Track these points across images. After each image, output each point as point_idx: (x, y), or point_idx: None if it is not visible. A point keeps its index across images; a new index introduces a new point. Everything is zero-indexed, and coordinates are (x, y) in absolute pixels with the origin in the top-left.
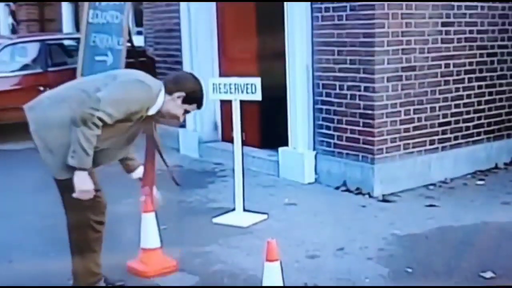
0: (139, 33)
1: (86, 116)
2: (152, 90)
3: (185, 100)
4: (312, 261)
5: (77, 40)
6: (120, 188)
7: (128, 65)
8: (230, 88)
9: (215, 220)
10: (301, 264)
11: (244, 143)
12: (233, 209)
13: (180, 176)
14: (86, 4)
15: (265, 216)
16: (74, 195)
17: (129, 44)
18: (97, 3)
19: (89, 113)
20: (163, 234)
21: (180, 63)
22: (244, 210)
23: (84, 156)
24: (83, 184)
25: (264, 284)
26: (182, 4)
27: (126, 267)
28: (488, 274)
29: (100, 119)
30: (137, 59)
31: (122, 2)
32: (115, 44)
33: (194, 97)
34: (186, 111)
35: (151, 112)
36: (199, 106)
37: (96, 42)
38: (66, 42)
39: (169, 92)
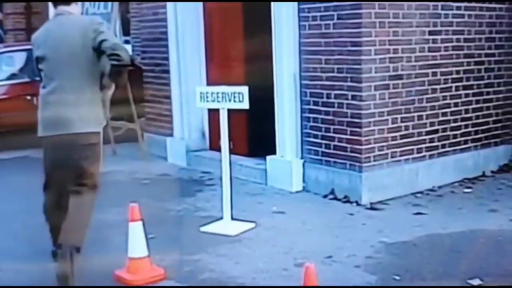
0: (126, 42)
1: None
2: None
3: None
4: (300, 269)
5: None
6: (108, 197)
7: None
8: (218, 97)
9: (203, 228)
10: (289, 272)
11: (232, 151)
12: (221, 218)
13: (168, 184)
14: None
15: (253, 225)
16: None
17: None
18: (84, 11)
19: None
20: (151, 243)
21: (167, 71)
22: (232, 218)
23: None
24: None
25: None
26: (169, 12)
27: (113, 276)
28: (476, 282)
29: None
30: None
31: (109, 11)
32: None
33: None
34: None
35: None
36: None
37: None
38: None
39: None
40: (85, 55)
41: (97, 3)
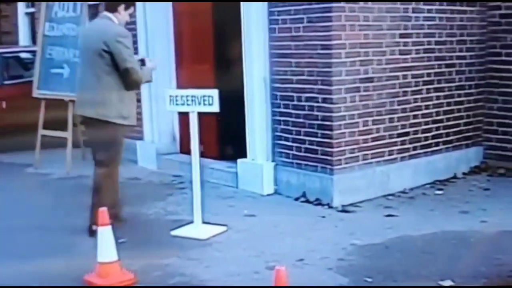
0: None
1: None
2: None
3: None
4: (271, 272)
5: (34, 53)
6: (77, 201)
7: None
8: (188, 100)
9: (174, 232)
10: (261, 275)
11: (203, 155)
12: (192, 221)
13: (139, 188)
14: (42, 16)
15: (224, 228)
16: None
17: None
18: (53, 15)
19: None
20: (121, 247)
21: None
22: (203, 222)
23: None
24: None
25: None
26: (139, 16)
27: (82, 280)
28: (447, 283)
29: None
30: None
31: (79, 15)
32: (71, 56)
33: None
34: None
35: None
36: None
37: (52, 55)
38: (22, 55)
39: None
40: (103, 58)
41: (66, 6)
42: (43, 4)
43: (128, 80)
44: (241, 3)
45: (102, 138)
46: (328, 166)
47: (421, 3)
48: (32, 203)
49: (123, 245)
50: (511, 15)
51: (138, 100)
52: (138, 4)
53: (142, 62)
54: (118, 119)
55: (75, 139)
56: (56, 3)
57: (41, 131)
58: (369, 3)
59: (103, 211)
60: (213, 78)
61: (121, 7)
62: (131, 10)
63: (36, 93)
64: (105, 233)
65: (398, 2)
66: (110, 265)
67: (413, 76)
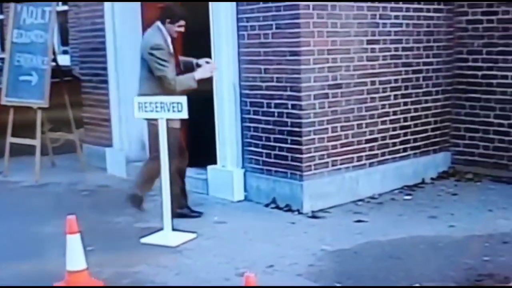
0: (65, 52)
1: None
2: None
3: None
4: (242, 278)
5: (2, 60)
6: (46, 209)
7: (54, 85)
8: (156, 107)
9: (143, 240)
10: (231, 282)
11: None
12: (162, 229)
13: (108, 196)
14: (10, 23)
15: (194, 235)
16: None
17: (54, 64)
18: (21, 22)
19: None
20: (89, 255)
21: (106, 81)
22: (173, 229)
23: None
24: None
25: None
26: (107, 22)
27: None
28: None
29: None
30: (62, 78)
31: (47, 22)
32: (39, 63)
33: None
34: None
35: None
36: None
37: (21, 62)
38: None
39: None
40: (144, 65)
41: (34, 13)
42: (12, 11)
43: (163, 87)
44: (210, 9)
45: (151, 136)
46: (298, 172)
47: (388, 9)
48: (0, 211)
49: (92, 253)
50: (478, 21)
51: (107, 108)
52: (106, 10)
53: (197, 65)
54: (155, 120)
55: (44, 147)
56: (25, 10)
57: (10, 139)
58: (337, 10)
59: (71, 219)
60: None
61: (168, 20)
62: (179, 23)
63: (4, 100)
64: (73, 241)
65: (365, 8)
66: (79, 273)
67: (381, 82)
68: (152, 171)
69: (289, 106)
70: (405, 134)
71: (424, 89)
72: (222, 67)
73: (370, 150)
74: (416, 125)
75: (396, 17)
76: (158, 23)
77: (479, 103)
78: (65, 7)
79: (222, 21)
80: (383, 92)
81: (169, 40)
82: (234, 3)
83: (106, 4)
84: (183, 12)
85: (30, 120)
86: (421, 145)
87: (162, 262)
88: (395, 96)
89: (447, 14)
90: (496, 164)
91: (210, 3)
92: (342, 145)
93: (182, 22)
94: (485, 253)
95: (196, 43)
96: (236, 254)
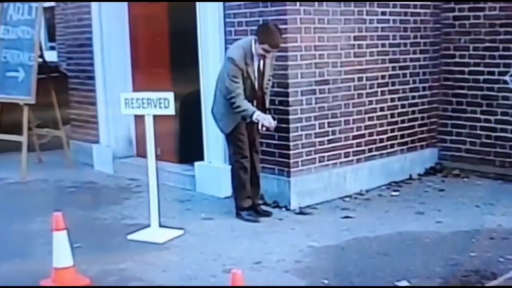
0: (52, 48)
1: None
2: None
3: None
4: (228, 275)
5: None
6: (33, 206)
7: (40, 81)
8: (143, 103)
9: (130, 236)
10: (218, 279)
11: (160, 158)
12: (149, 225)
13: (95, 192)
14: None
15: (181, 232)
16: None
17: (40, 60)
18: (8, 18)
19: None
20: (76, 252)
21: (92, 78)
22: (160, 225)
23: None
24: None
25: None
26: (94, 18)
27: (38, 286)
28: (403, 283)
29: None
30: (49, 74)
31: (34, 18)
32: (26, 59)
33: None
34: (265, 50)
35: None
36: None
37: (7, 58)
38: None
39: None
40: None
41: (21, 9)
42: None
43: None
44: (197, 5)
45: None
46: (285, 169)
47: (375, 5)
48: None
49: (78, 250)
50: (465, 17)
51: (94, 104)
52: (93, 8)
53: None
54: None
55: (31, 143)
56: (11, 6)
57: None
58: (324, 6)
59: (58, 216)
60: (170, 82)
61: (256, 39)
62: (263, 46)
63: None
64: (60, 238)
65: (352, 5)
66: (66, 270)
67: (368, 79)
68: (236, 177)
69: (277, 102)
70: (392, 130)
71: (411, 85)
72: (209, 64)
73: (357, 146)
74: (403, 121)
75: (383, 13)
76: (254, 35)
77: (466, 99)
78: (52, 3)
79: (209, 17)
80: (370, 88)
81: (255, 57)
82: None
83: None
84: (272, 40)
85: (17, 116)
86: (408, 141)
87: (149, 259)
88: (382, 92)
89: (434, 10)
90: (483, 160)
91: None
92: (329, 141)
93: (266, 46)
94: (472, 249)
95: (182, 40)
96: (223, 251)
